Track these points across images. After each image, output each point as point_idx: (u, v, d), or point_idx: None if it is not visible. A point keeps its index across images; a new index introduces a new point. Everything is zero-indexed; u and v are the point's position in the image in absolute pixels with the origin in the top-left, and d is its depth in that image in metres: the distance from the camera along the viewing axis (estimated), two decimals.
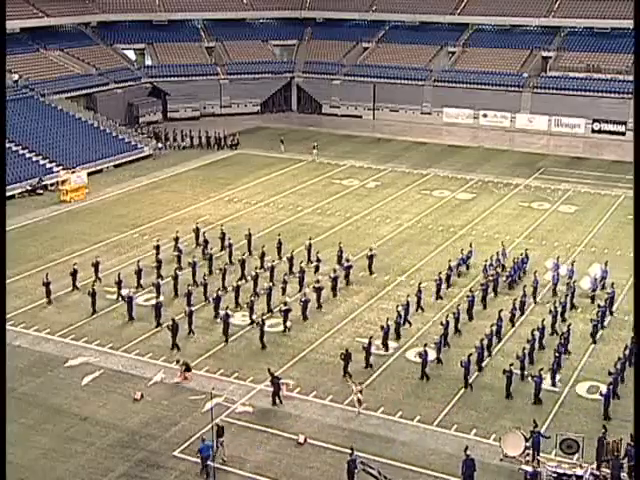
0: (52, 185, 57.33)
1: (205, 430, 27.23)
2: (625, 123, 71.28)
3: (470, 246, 43.25)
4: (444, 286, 39.12)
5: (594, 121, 73.06)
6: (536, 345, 32.70)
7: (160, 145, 68.23)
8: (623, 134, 71.39)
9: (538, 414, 28.39)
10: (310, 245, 43.15)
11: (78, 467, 26.27)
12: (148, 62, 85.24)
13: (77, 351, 33.75)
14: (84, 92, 75.03)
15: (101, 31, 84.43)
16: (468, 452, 24.99)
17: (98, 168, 61.84)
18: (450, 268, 40.29)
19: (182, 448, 27.12)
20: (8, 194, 54.61)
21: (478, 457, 26.42)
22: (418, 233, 47.21)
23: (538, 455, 25.98)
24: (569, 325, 33.94)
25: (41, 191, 56.77)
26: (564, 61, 78.19)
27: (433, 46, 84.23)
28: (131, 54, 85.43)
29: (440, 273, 39.65)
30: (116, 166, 63.25)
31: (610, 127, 72.50)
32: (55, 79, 74.02)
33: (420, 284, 38.21)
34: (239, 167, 62.93)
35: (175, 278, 39.06)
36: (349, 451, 25.07)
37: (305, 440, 27.49)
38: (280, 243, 43.23)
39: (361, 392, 29.40)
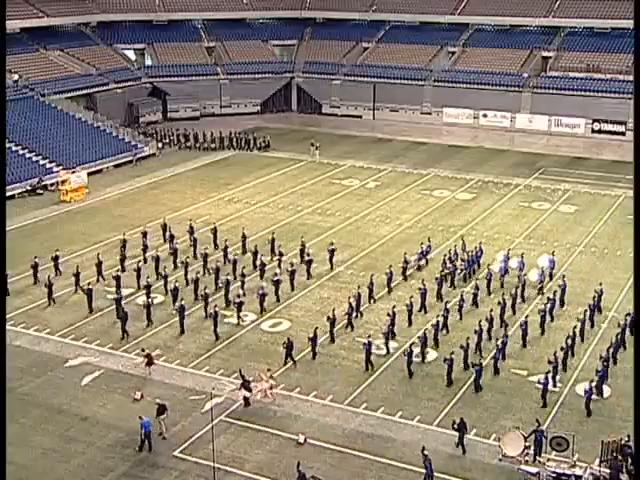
0: (52, 185, 57.36)
1: (206, 430, 27.29)
2: (625, 123, 71.26)
3: (428, 240, 43.87)
4: (400, 279, 39.91)
5: (594, 121, 73.04)
6: (484, 335, 33.34)
7: (159, 146, 68.21)
8: (623, 134, 71.39)
9: (538, 414, 28.36)
10: (273, 239, 43.74)
11: (78, 467, 26.28)
12: (148, 62, 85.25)
13: (77, 351, 33.77)
14: (84, 92, 75.04)
15: (101, 31, 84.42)
16: (425, 452, 25.18)
17: (98, 168, 61.87)
18: (406, 261, 40.94)
19: (182, 448, 27.12)
20: (8, 194, 54.62)
21: (478, 457, 26.52)
22: (418, 233, 47.19)
23: (540, 454, 26.01)
24: (526, 317, 34.35)
25: (41, 191, 56.82)
26: (564, 61, 78.18)
27: (433, 46, 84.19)
28: (131, 54, 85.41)
29: (391, 267, 40.08)
30: (116, 166, 63.26)
31: (610, 127, 72.49)
32: (55, 79, 74.03)
33: (372, 276, 38.94)
34: (239, 167, 62.93)
35: (137, 271, 39.78)
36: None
37: (305, 440, 27.49)
38: (244, 237, 44.05)
39: (272, 377, 29.78)
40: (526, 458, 26.02)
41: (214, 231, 45.04)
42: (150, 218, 50.01)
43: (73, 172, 56.97)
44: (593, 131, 73.28)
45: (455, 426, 26.95)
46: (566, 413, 29.18)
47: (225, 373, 31.87)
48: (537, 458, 25.96)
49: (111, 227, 48.64)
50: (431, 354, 32.88)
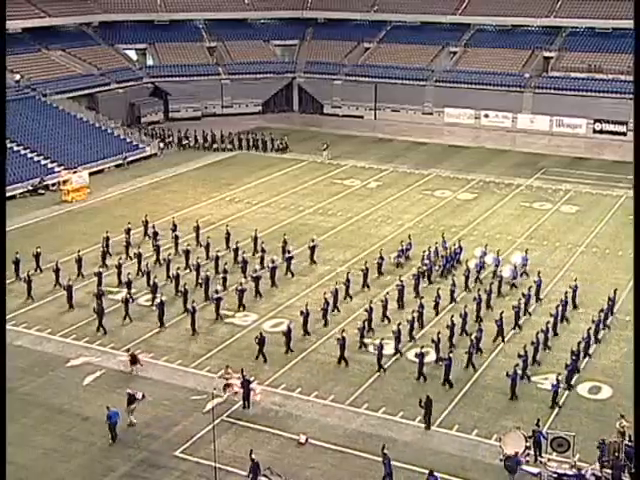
0: (54, 185, 57.38)
1: (207, 430, 27.33)
2: (626, 123, 71.12)
3: (409, 238, 44.30)
4: (375, 275, 40.63)
5: (595, 121, 73.02)
6: (456, 331, 33.87)
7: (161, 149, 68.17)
8: (624, 134, 71.30)
9: (540, 414, 28.35)
10: (256, 237, 44.15)
11: (79, 467, 26.30)
12: (150, 62, 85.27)
13: (78, 351, 33.78)
14: (86, 92, 75.02)
15: (103, 31, 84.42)
16: (385, 451, 25.31)
17: (99, 168, 61.85)
18: (381, 257, 41.50)
19: (183, 448, 27.14)
20: (10, 194, 54.71)
21: (480, 457, 26.50)
22: (419, 233, 47.16)
23: (540, 454, 26.03)
24: (501, 313, 34.75)
25: (43, 191, 56.84)
26: (566, 61, 78.14)
27: (434, 46, 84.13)
28: (133, 54, 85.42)
29: (366, 263, 40.58)
30: (117, 166, 63.24)
31: (611, 127, 72.44)
32: (57, 79, 74.03)
33: (348, 273, 39.52)
34: (240, 167, 62.93)
35: (119, 267, 40.25)
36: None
37: (306, 440, 27.51)
38: (228, 234, 44.60)
39: (229, 371, 30.00)
40: (527, 458, 26.00)
41: (197, 229, 45.50)
42: (151, 218, 49.83)
43: (74, 172, 57.02)
44: (594, 131, 73.23)
45: (422, 404, 28.03)
46: (568, 414, 29.15)
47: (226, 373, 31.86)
48: (538, 458, 25.96)
49: (112, 227, 48.51)
50: (431, 355, 32.82)
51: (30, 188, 56.58)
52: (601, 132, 72.97)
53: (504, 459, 25.35)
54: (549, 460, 25.76)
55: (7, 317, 36.61)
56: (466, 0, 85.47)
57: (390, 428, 28.38)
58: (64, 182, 55.95)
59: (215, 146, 68.63)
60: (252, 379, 29.96)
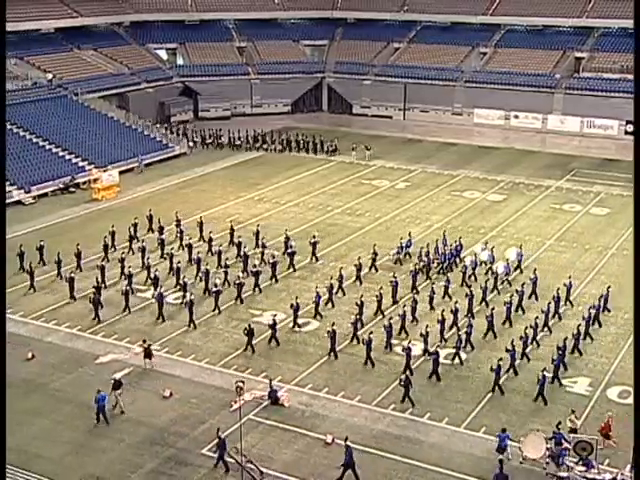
0: (84, 183, 57.89)
1: (234, 428, 27.44)
2: None
3: (409, 235, 44.41)
4: (366, 271, 41.03)
5: (627, 122, 72.18)
6: (446, 325, 34.11)
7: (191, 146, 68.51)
8: None
9: (567, 418, 28.07)
10: (258, 232, 44.71)
11: (107, 463, 26.50)
12: (180, 62, 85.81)
13: (107, 348, 34.05)
14: (116, 91, 75.70)
15: (134, 31, 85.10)
16: (348, 442, 25.45)
17: (130, 167, 62.29)
18: (375, 253, 41.79)
19: (210, 446, 27.21)
20: (41, 192, 55.45)
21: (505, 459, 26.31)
22: (448, 234, 46.86)
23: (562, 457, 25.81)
24: (492, 309, 35.00)
25: (73, 189, 57.36)
26: (597, 62, 77.44)
27: (464, 46, 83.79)
28: (163, 54, 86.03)
29: (359, 258, 40.98)
30: (147, 165, 63.63)
31: None
32: (88, 78, 74.78)
33: (341, 269, 39.79)
34: (268, 167, 63.07)
35: (122, 261, 41.04)
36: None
37: (333, 440, 27.47)
38: (232, 230, 45.20)
39: (241, 390, 29.63)
40: (547, 460, 25.79)
41: (200, 224, 46.16)
42: (180, 217, 50.22)
43: (105, 170, 57.51)
44: (626, 133, 72.44)
45: (402, 383, 29.34)
46: (597, 418, 28.84)
47: (253, 372, 31.97)
48: (565, 462, 25.72)
49: (141, 226, 48.76)
50: (461, 355, 32.74)
51: (61, 186, 57.17)
52: (633, 133, 72.10)
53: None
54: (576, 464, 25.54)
55: (37, 314, 37.15)
56: (496, 0, 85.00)
57: (417, 429, 28.29)
58: (94, 180, 56.47)
59: (265, 146, 68.49)
60: (277, 389, 30.02)
